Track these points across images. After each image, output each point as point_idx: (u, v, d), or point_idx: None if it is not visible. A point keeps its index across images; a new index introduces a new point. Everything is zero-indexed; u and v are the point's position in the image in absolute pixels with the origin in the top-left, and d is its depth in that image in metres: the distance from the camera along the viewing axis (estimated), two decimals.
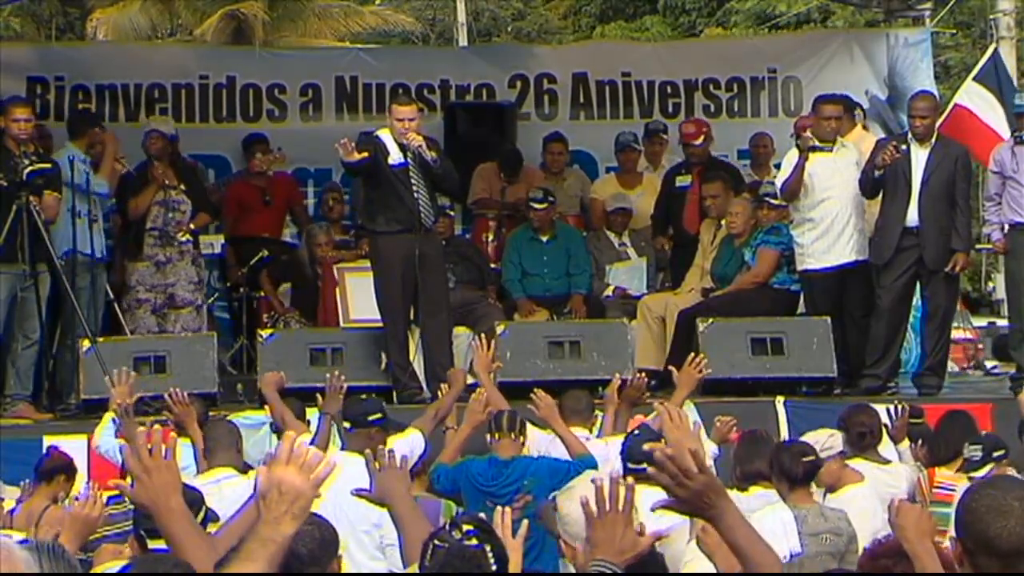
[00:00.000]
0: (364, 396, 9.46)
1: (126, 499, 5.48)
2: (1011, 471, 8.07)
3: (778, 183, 12.16)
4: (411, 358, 11.61)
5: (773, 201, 12.45)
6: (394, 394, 11.40)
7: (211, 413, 9.95)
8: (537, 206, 13.33)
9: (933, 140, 11.77)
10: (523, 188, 14.12)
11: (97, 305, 12.23)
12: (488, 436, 8.89)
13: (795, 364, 11.72)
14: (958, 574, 3.72)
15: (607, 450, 8.69)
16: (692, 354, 9.68)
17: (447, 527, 4.50)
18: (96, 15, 30.44)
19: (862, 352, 11.82)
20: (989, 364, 18.65)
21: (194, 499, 5.90)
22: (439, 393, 9.83)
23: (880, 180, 11.66)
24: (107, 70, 15.54)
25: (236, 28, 29.17)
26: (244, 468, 8.40)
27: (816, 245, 11.88)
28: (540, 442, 9.21)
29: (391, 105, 11.86)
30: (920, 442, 9.34)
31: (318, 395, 9.41)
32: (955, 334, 15.11)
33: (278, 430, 9.22)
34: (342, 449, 8.45)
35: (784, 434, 10.54)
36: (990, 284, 31.06)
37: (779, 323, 12.00)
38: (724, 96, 15.84)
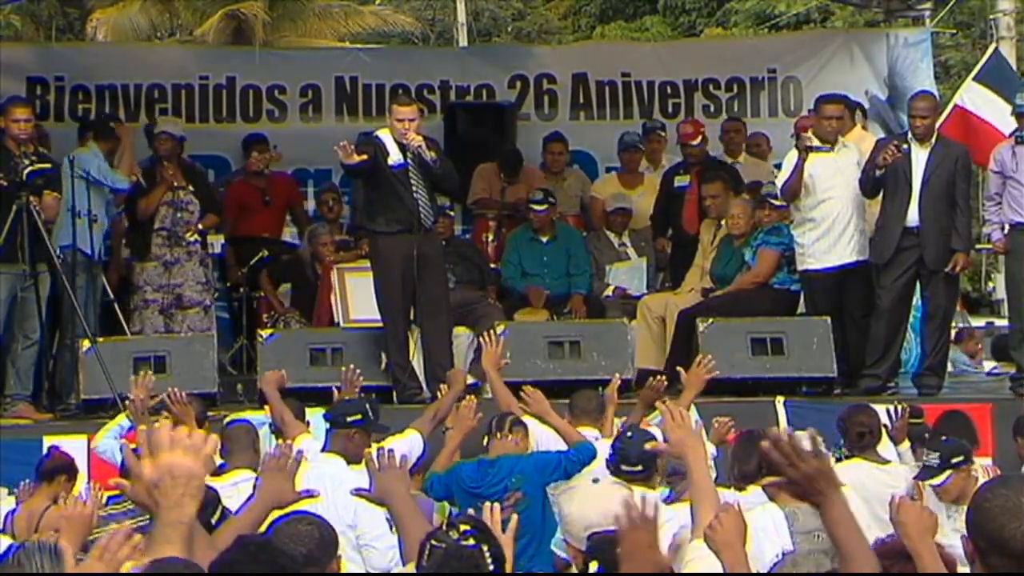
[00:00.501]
0: (362, 396, 9.45)
1: (126, 499, 5.48)
2: (977, 475, 8.02)
3: (778, 183, 12.17)
4: (411, 358, 11.61)
5: (775, 202, 12.45)
6: (394, 394, 11.41)
7: (210, 413, 9.95)
8: (537, 207, 13.34)
9: (933, 140, 11.76)
10: (523, 188, 14.12)
11: (95, 305, 12.22)
12: (485, 439, 8.87)
13: (795, 364, 11.72)
14: (960, 574, 3.73)
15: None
16: (700, 355, 9.67)
17: (444, 527, 4.51)
18: (96, 15, 30.42)
19: (862, 352, 11.82)
20: (988, 364, 18.61)
21: (210, 498, 5.93)
22: (439, 393, 9.81)
23: (880, 180, 11.66)
24: (107, 70, 15.56)
25: (236, 28, 29.18)
26: None
27: (817, 245, 11.88)
28: (547, 439, 9.16)
29: (391, 105, 11.85)
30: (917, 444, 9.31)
31: (335, 390, 9.44)
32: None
33: (278, 430, 9.22)
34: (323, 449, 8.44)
35: None
36: (990, 284, 31.04)
37: (779, 323, 12.00)
38: (724, 96, 15.86)
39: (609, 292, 13.60)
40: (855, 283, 11.94)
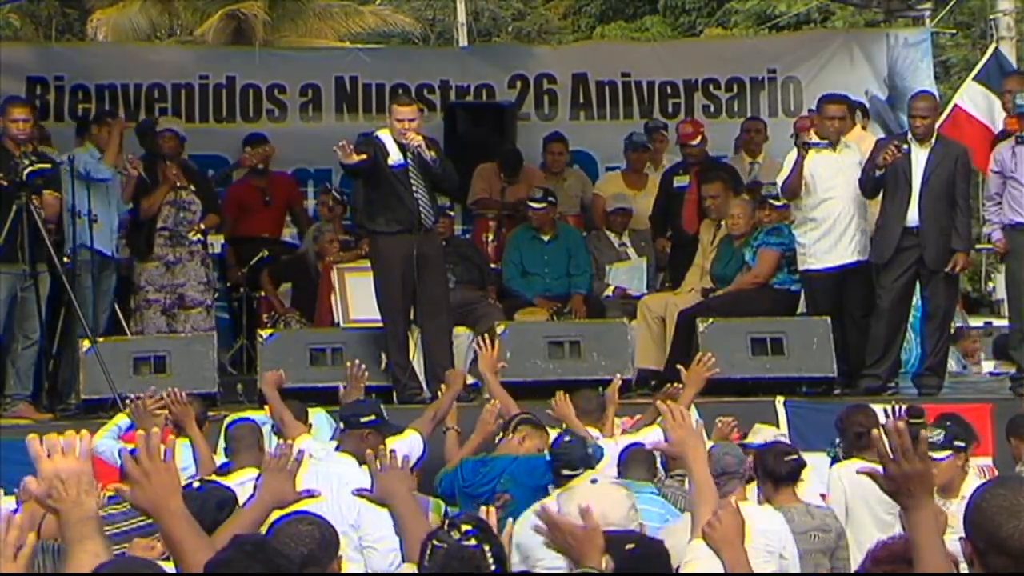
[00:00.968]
0: (364, 396, 9.45)
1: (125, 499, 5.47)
2: (968, 470, 8.01)
3: (779, 183, 12.17)
4: (411, 358, 11.60)
5: (776, 202, 12.45)
6: (394, 394, 11.41)
7: (210, 413, 9.94)
8: (536, 206, 13.35)
9: (933, 140, 11.76)
10: (523, 188, 14.13)
11: (100, 305, 12.21)
12: (497, 438, 8.88)
13: (795, 364, 11.72)
14: (964, 574, 3.73)
15: (616, 450, 8.68)
16: (700, 353, 9.67)
17: (446, 527, 4.50)
18: (96, 15, 30.41)
19: (862, 352, 11.81)
20: (987, 365, 18.61)
21: (227, 499, 5.92)
22: (438, 393, 9.81)
23: (880, 180, 11.66)
24: (107, 70, 15.56)
25: (236, 28, 29.17)
26: None
27: (819, 245, 11.88)
28: None
29: (391, 105, 11.86)
30: None
31: (340, 386, 9.42)
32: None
33: (278, 430, 9.21)
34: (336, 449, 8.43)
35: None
36: (990, 284, 31.02)
37: (779, 323, 12.00)
38: (724, 96, 15.86)
39: (609, 292, 13.60)
40: (855, 283, 11.93)
